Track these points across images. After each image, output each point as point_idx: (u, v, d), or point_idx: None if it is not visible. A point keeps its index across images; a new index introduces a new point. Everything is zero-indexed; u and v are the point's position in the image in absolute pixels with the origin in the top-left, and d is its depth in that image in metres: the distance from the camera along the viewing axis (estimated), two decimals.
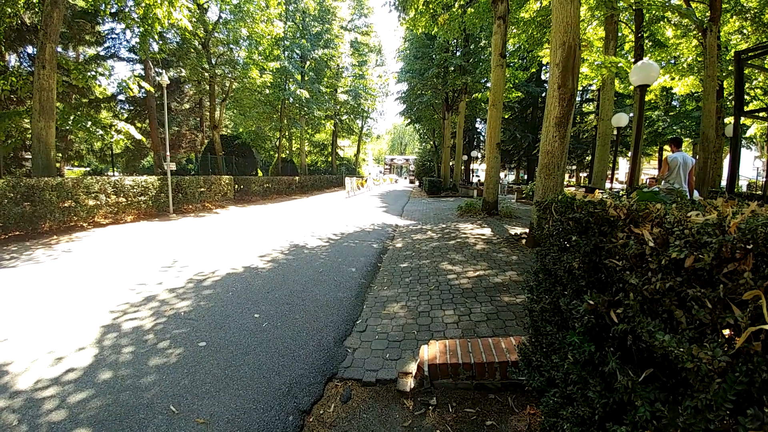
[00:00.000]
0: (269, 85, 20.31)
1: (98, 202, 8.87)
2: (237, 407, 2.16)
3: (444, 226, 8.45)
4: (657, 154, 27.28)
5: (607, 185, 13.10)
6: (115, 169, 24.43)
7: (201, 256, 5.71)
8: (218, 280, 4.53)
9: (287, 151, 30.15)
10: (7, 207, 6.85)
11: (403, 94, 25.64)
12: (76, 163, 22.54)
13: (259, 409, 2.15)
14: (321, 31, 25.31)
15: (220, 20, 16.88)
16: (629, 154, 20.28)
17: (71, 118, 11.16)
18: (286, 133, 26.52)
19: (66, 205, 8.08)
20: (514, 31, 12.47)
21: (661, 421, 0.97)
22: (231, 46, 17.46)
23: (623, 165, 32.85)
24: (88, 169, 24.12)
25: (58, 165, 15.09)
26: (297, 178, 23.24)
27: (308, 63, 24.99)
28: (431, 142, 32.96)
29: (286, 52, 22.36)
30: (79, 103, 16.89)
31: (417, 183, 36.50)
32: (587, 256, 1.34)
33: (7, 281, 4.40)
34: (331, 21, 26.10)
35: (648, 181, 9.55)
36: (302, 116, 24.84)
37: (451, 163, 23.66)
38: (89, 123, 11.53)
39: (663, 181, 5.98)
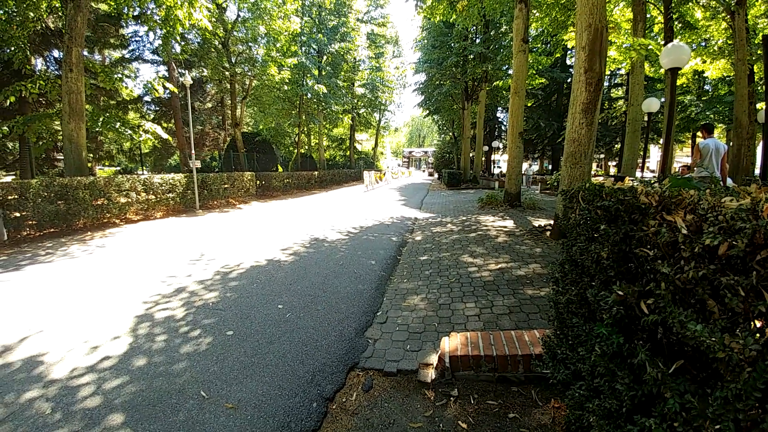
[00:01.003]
0: (287, 81, 20.53)
1: (129, 200, 9.32)
2: (263, 393, 2.24)
3: (464, 218, 8.34)
4: (690, 141, 25.79)
5: (638, 174, 12.49)
6: (143, 167, 25.52)
7: (227, 250, 5.91)
8: (243, 272, 4.67)
9: (306, 147, 30.50)
10: (41, 205, 7.27)
11: (421, 85, 25.27)
12: (107, 163, 23.71)
13: (284, 396, 2.22)
14: (337, 25, 25.24)
15: (239, 19, 17.15)
16: (661, 141, 19.23)
17: (101, 119, 11.69)
18: (305, 129, 26.78)
19: (99, 202, 8.53)
20: (537, 14, 11.98)
21: (690, 413, 0.95)
22: (250, 44, 17.73)
23: (654, 153, 31.20)
24: (118, 168, 25.34)
25: (89, 165, 15.83)
26: (316, 172, 23.51)
27: (325, 57, 25.03)
28: (450, 134, 32.43)
29: (303, 48, 22.48)
30: (107, 105, 17.66)
31: (436, 175, 36.11)
32: (616, 246, 1.29)
33: (44, 275, 4.70)
34: (347, 14, 25.95)
35: (680, 169, 9.08)
36: (320, 111, 24.99)
37: (471, 155, 23.23)
38: (118, 124, 12.05)
39: (696, 169, 5.69)
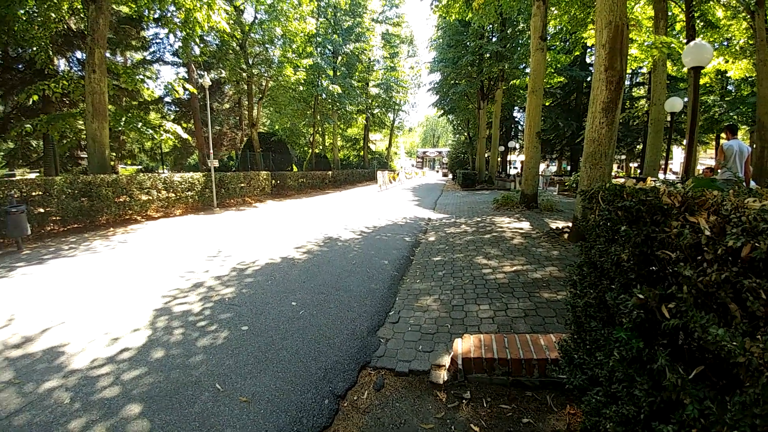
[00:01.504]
0: (302, 82, 20.77)
1: (150, 197, 9.62)
2: (276, 388, 2.27)
3: (479, 219, 8.25)
4: (713, 143, 24.82)
5: (660, 176, 12.09)
6: (164, 166, 26.29)
7: (243, 247, 6.02)
8: (258, 269, 4.75)
9: (320, 147, 30.80)
10: (65, 202, 7.55)
11: (435, 85, 25.15)
12: (129, 162, 24.53)
13: (296, 391, 2.25)
14: (352, 25, 25.37)
15: (256, 21, 17.45)
16: (684, 142, 18.57)
17: (123, 119, 12.08)
18: (319, 129, 27.05)
19: (121, 200, 8.83)
20: (555, 12, 11.73)
21: (709, 419, 0.95)
22: (266, 45, 18.01)
23: (677, 155, 30.09)
24: (140, 167, 26.18)
25: (112, 163, 16.36)
26: (330, 172, 23.70)
27: (340, 58, 25.20)
28: (465, 134, 32.10)
29: (318, 49, 22.69)
30: (129, 105, 18.25)
31: (450, 176, 35.83)
32: (638, 248, 1.25)
33: (67, 269, 4.89)
34: (362, 14, 26.05)
35: (703, 171, 8.77)
36: (334, 111, 25.18)
37: (486, 155, 22.94)
38: (140, 124, 12.43)
39: (720, 171, 5.53)
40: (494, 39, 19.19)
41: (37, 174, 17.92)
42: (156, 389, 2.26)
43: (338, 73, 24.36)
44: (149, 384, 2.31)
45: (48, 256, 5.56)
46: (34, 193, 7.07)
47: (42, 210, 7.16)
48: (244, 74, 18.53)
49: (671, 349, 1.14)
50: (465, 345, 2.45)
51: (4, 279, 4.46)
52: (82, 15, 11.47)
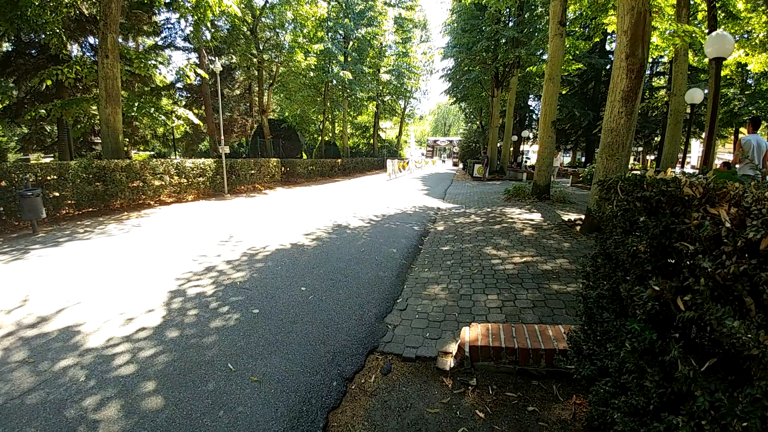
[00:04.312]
0: (313, 67, 20.58)
1: (163, 183, 9.76)
2: (286, 369, 2.33)
3: (489, 210, 8.18)
4: (732, 137, 23.95)
5: (677, 170, 11.75)
6: (176, 152, 26.58)
7: (253, 233, 6.10)
8: (268, 254, 4.82)
9: (330, 134, 30.67)
10: (80, 186, 7.68)
11: (448, 71, 24.57)
12: (141, 147, 24.83)
13: (306, 373, 2.30)
14: (364, 9, 24.83)
15: (267, 4, 17.24)
16: (703, 135, 17.93)
17: (136, 104, 12.18)
18: (329, 116, 26.90)
19: (135, 184, 8.98)
20: None
21: (719, 411, 0.95)
22: (277, 30, 17.83)
23: (695, 148, 29.11)
24: (152, 153, 26.52)
25: (126, 149, 16.55)
26: (339, 160, 23.66)
27: (351, 43, 24.80)
28: (477, 122, 31.54)
29: (330, 33, 22.36)
30: (141, 91, 18.37)
31: (461, 165, 35.41)
32: (656, 239, 1.23)
33: (82, 251, 5.01)
34: None
35: (721, 166, 8.48)
36: (345, 98, 24.96)
37: (498, 144, 22.54)
38: (152, 109, 12.52)
39: (738, 165, 5.35)
40: (511, 24, 18.58)
41: (52, 158, 18.28)
42: (170, 368, 2.33)
43: (349, 59, 24.01)
44: (164, 363, 2.39)
45: (63, 239, 5.71)
46: (49, 177, 7.21)
47: (57, 194, 7.31)
48: (255, 60, 18.44)
49: (683, 341, 1.14)
50: (472, 333, 2.46)
51: (19, 261, 4.57)
52: (94, 0, 11.46)
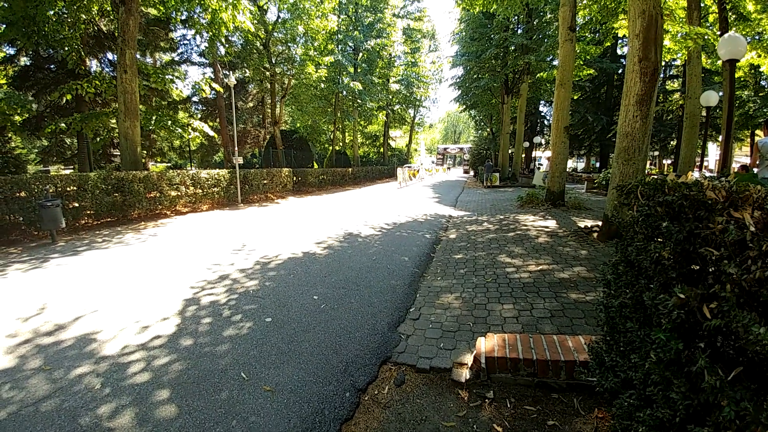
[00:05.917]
0: (324, 79, 20.97)
1: (179, 193, 10.01)
2: (299, 379, 2.31)
3: (502, 217, 8.08)
4: (748, 140, 23.25)
5: (695, 174, 11.42)
6: (191, 164, 27.28)
7: (266, 242, 6.16)
8: (281, 263, 4.85)
9: (341, 144, 31.02)
10: (99, 196, 7.93)
11: (457, 80, 24.68)
12: (159, 159, 25.59)
13: (318, 383, 2.28)
14: (373, 21, 25.29)
15: (279, 19, 17.74)
16: (719, 138, 17.42)
17: (153, 118, 12.60)
18: (340, 126, 27.25)
19: (152, 195, 9.23)
20: (585, 1, 11.25)
21: (744, 420, 0.94)
22: (289, 44, 18.29)
23: (712, 151, 28.29)
24: (169, 164, 27.27)
25: (143, 161, 17.05)
26: (350, 169, 23.87)
27: (361, 54, 25.23)
28: (488, 129, 31.46)
29: (340, 46, 22.79)
30: (159, 104, 19.01)
31: (472, 173, 35.22)
32: (680, 245, 1.18)
33: (100, 260, 5.14)
34: (383, 9, 25.92)
35: (738, 169, 8.20)
36: (355, 108, 25.28)
37: (510, 151, 22.37)
38: (169, 122, 12.94)
39: (757, 169, 5.13)
40: (520, 31, 18.61)
41: (72, 170, 18.94)
42: (184, 376, 2.34)
43: (359, 70, 24.38)
44: (177, 371, 2.40)
45: (82, 248, 5.88)
46: (69, 188, 7.48)
47: (77, 204, 7.57)
48: (268, 73, 18.91)
49: (710, 350, 1.10)
50: (488, 344, 2.40)
51: (38, 269, 4.71)
52: (112, 17, 11.94)
